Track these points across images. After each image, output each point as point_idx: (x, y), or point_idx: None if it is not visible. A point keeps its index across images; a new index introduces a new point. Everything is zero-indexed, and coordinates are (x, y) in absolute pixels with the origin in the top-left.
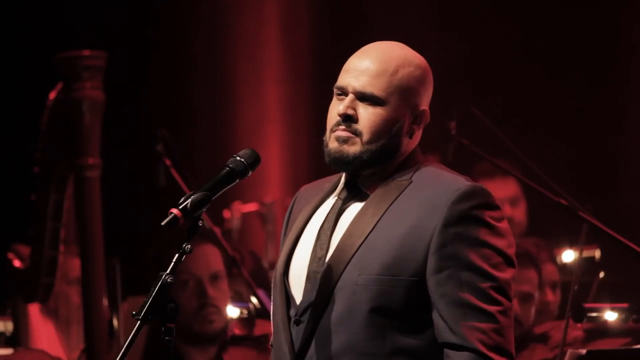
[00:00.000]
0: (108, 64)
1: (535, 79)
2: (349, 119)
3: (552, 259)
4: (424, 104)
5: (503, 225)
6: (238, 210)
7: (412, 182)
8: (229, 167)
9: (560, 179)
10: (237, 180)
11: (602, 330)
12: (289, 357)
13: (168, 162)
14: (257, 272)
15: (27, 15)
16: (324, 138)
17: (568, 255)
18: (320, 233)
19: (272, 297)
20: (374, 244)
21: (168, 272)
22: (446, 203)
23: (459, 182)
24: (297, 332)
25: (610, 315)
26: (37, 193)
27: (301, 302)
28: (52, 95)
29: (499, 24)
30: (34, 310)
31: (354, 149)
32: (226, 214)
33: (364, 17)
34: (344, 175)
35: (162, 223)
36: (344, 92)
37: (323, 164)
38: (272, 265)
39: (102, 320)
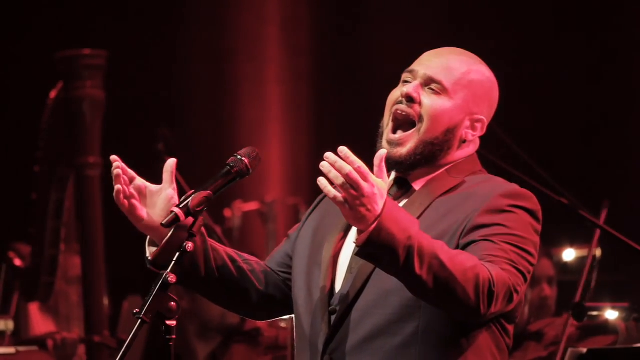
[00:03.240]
0: (108, 63)
1: (535, 79)
2: (412, 101)
3: (548, 254)
4: (484, 115)
5: (536, 239)
6: (239, 209)
7: (464, 182)
8: (230, 166)
9: (560, 177)
10: (238, 179)
11: (595, 327)
12: (320, 342)
13: None
14: None
15: (27, 15)
16: (381, 124)
17: (568, 254)
18: None
19: (306, 277)
20: None
21: (169, 270)
22: (493, 194)
23: (513, 185)
24: (331, 319)
25: (611, 314)
26: (38, 192)
27: (339, 292)
28: (53, 94)
29: (499, 27)
30: (34, 308)
31: (407, 147)
32: (227, 212)
33: (364, 16)
34: (393, 172)
35: (164, 222)
36: (413, 76)
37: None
38: None
39: (102, 317)
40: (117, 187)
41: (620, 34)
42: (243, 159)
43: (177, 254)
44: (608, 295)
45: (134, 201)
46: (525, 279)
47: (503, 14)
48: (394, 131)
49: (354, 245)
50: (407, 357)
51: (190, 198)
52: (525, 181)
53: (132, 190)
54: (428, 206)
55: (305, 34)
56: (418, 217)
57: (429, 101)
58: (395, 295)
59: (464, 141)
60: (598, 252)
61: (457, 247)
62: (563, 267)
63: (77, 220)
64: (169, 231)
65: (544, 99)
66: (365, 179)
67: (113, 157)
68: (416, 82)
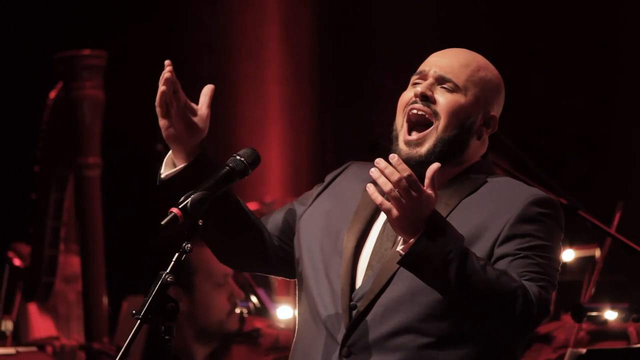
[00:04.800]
0: (108, 64)
1: (534, 78)
2: (426, 99)
3: None
4: (495, 112)
5: (560, 246)
6: None
7: (487, 182)
8: (229, 167)
9: (560, 177)
10: (237, 180)
11: (605, 332)
12: (340, 333)
13: None
14: (257, 274)
15: (27, 15)
16: (394, 127)
17: (568, 255)
18: (386, 226)
19: (323, 261)
20: None
21: (168, 271)
22: (523, 202)
23: (537, 190)
24: (352, 313)
25: (610, 315)
26: (38, 192)
27: (359, 288)
28: (53, 94)
29: (497, 31)
30: (34, 309)
31: (426, 146)
32: None
33: (364, 16)
34: None
35: (162, 222)
36: (423, 77)
37: (324, 163)
38: None
39: (102, 317)
40: (163, 88)
41: (621, 36)
42: (242, 159)
43: (176, 254)
44: (608, 296)
45: (172, 109)
46: (555, 289)
47: (502, 17)
48: (410, 132)
49: (374, 243)
50: (430, 357)
51: (190, 198)
52: (525, 182)
53: (173, 99)
54: (455, 207)
55: (305, 34)
56: (445, 217)
57: (443, 99)
58: (423, 295)
59: (480, 138)
60: (597, 253)
61: (490, 253)
62: (562, 267)
63: (76, 220)
64: (194, 152)
65: (542, 98)
66: (414, 189)
67: (167, 62)
68: (429, 81)
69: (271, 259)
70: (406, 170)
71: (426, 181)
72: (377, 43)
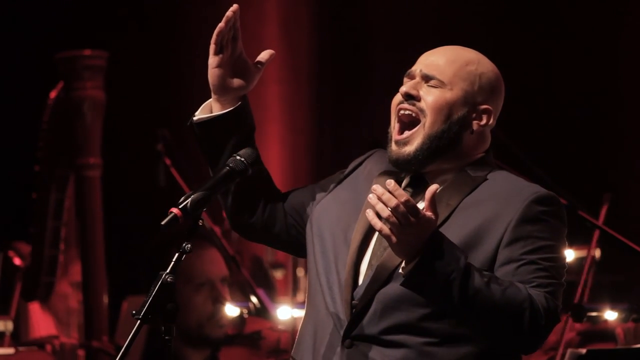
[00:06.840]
0: (109, 64)
1: (535, 78)
2: (411, 98)
3: None
4: (490, 105)
5: (565, 244)
6: None
7: (487, 179)
8: (229, 167)
9: (560, 177)
10: (237, 180)
11: (595, 333)
12: (343, 324)
13: (168, 161)
14: (257, 274)
15: (27, 15)
16: (389, 130)
17: (567, 255)
18: None
19: (333, 249)
20: (446, 232)
21: (168, 271)
22: (524, 201)
23: (537, 187)
24: (352, 310)
25: (610, 315)
26: (38, 192)
27: (360, 287)
28: (53, 94)
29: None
30: (33, 309)
31: (415, 145)
32: None
33: (364, 16)
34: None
35: (162, 222)
36: (411, 77)
37: (323, 163)
38: (273, 265)
39: (102, 316)
40: (221, 25)
41: (611, 32)
42: (242, 159)
43: (177, 254)
44: (607, 296)
45: (225, 52)
46: (563, 287)
47: (498, 15)
48: (401, 132)
49: (374, 242)
50: (430, 355)
51: (190, 198)
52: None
53: (230, 43)
54: (455, 207)
55: (304, 34)
56: (447, 218)
57: (428, 95)
58: None
59: (473, 132)
60: (597, 253)
61: (494, 256)
62: None
63: (77, 220)
64: (233, 104)
65: (540, 97)
66: (412, 214)
67: (235, 5)
68: (415, 80)
69: (281, 233)
70: (403, 196)
71: (425, 203)
72: (376, 43)
